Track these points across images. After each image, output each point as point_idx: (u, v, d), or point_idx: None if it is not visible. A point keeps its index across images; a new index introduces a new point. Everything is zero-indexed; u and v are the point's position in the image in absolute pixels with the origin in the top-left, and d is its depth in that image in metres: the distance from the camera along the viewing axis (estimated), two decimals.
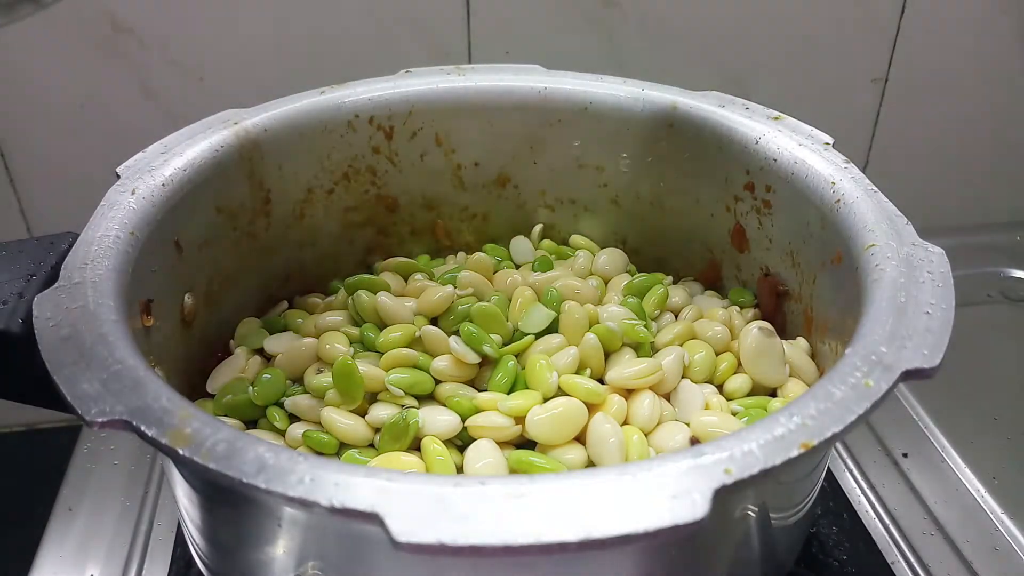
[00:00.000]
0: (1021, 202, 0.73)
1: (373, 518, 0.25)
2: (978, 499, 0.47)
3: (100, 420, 0.28)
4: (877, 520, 0.47)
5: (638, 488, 0.26)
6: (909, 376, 0.30)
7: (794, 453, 0.27)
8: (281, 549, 0.32)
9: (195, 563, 0.39)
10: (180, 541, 0.47)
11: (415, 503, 0.25)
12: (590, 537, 0.24)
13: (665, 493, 0.25)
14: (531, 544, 0.24)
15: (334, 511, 0.25)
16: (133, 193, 0.39)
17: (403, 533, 0.24)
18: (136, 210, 0.38)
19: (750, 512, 0.34)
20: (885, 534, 0.46)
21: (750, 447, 0.27)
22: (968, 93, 0.69)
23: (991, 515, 0.47)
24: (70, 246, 0.37)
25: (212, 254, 0.44)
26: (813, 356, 0.42)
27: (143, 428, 0.28)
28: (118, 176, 0.40)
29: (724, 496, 0.26)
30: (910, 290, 0.33)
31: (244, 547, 0.34)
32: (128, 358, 0.30)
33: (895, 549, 0.45)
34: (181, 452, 0.27)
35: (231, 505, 0.33)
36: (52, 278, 0.35)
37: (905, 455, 0.50)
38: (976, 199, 0.73)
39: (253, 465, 0.26)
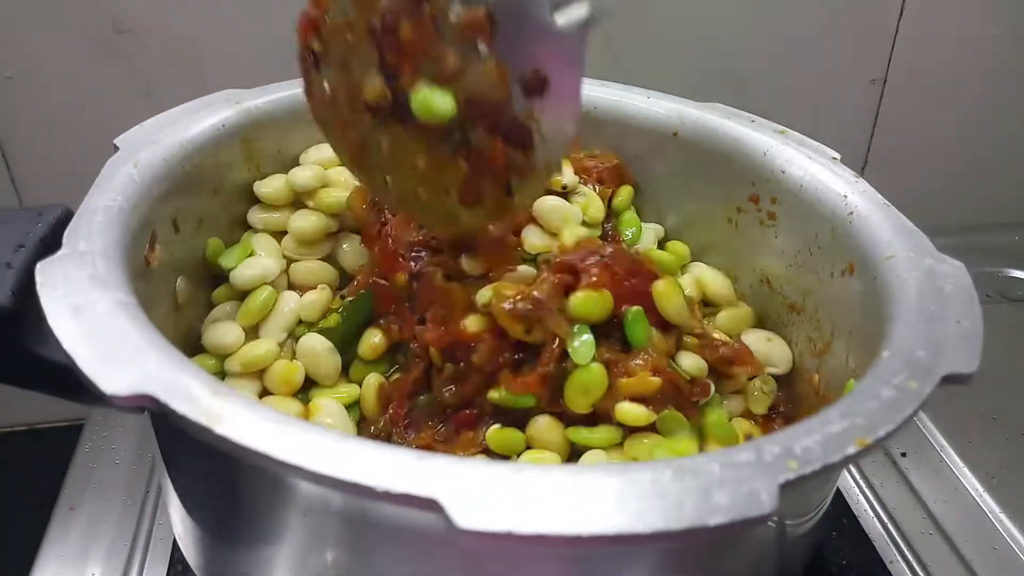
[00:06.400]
0: (1021, 202, 0.75)
1: (432, 504, 0.23)
2: (977, 498, 0.48)
3: (122, 394, 0.26)
4: (876, 519, 0.47)
5: (704, 482, 0.25)
6: (948, 380, 0.30)
7: (851, 450, 0.27)
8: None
9: None
10: None
11: (475, 489, 0.24)
12: (661, 530, 0.23)
13: (732, 487, 0.25)
14: (603, 534, 0.23)
15: (389, 496, 0.24)
16: (135, 166, 0.37)
17: (465, 520, 0.23)
18: (138, 182, 0.36)
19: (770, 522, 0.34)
20: (884, 533, 0.46)
21: (808, 444, 0.27)
22: (967, 93, 0.70)
23: (990, 514, 0.47)
24: (60, 217, 0.35)
25: (207, 236, 0.42)
26: (818, 368, 0.42)
27: (172, 404, 0.26)
28: (116, 148, 0.38)
29: (789, 490, 0.25)
30: (937, 300, 0.34)
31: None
32: (147, 331, 0.28)
33: (893, 548, 0.45)
34: (217, 431, 0.25)
35: (237, 541, 0.31)
36: (43, 249, 0.33)
37: (904, 454, 0.51)
38: (976, 199, 0.75)
39: (300, 447, 0.24)
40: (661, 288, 0.39)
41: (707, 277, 0.46)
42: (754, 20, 0.64)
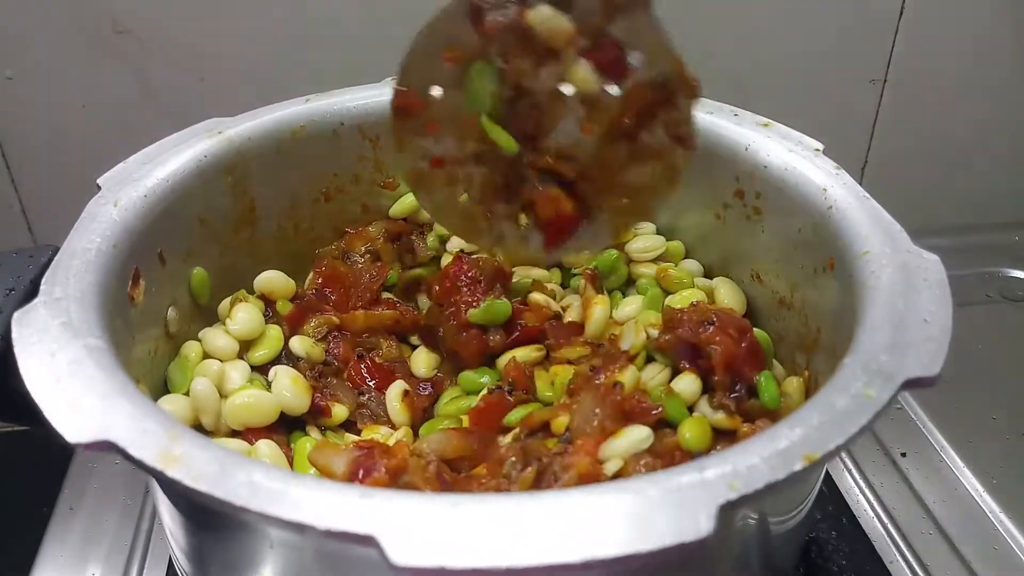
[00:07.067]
0: (1021, 202, 0.74)
1: (369, 541, 0.24)
2: (977, 499, 0.47)
3: (84, 442, 0.27)
4: (875, 520, 0.47)
5: (642, 505, 0.25)
6: (910, 385, 0.30)
7: (798, 467, 0.26)
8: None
9: None
10: None
11: (412, 524, 0.24)
12: (594, 558, 0.24)
13: (669, 510, 0.25)
14: (535, 566, 0.24)
15: (329, 535, 0.24)
16: (116, 205, 0.38)
17: (400, 556, 0.24)
18: (118, 222, 0.37)
19: (750, 519, 0.34)
20: (884, 534, 0.46)
21: (753, 461, 0.26)
22: (967, 93, 0.69)
23: (990, 515, 0.47)
24: (50, 259, 0.36)
25: (197, 265, 0.43)
26: (807, 364, 0.42)
27: (129, 450, 0.27)
28: (99, 187, 0.39)
29: (728, 511, 0.25)
30: (908, 297, 0.33)
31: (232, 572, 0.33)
32: (113, 376, 0.29)
33: (893, 549, 0.45)
34: (170, 474, 0.26)
35: (221, 530, 0.32)
36: (32, 292, 0.34)
37: (904, 455, 0.50)
38: (976, 199, 0.74)
39: (245, 487, 0.25)
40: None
41: (723, 293, 0.46)
42: (754, 20, 0.63)
